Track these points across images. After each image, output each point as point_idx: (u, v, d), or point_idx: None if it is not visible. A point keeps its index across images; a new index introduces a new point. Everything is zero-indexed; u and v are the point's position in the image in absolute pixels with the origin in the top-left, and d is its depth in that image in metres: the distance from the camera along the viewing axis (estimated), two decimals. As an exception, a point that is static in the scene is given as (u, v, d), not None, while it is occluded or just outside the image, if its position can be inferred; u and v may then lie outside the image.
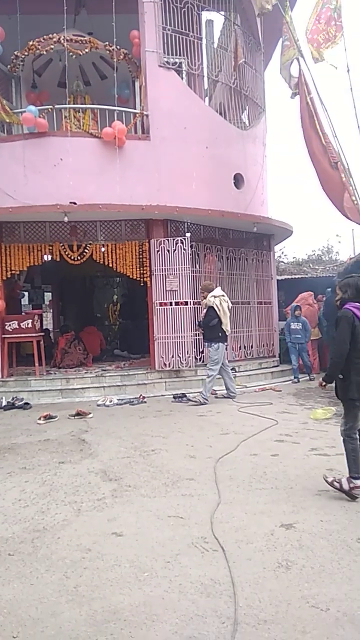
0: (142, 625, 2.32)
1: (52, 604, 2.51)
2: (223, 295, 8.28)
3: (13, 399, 8.16)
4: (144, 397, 8.31)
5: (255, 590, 2.59)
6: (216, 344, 8.04)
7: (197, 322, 8.76)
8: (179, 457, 4.97)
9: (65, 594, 2.59)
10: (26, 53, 9.44)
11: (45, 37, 9.25)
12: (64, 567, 2.86)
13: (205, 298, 8.23)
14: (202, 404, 7.68)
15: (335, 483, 3.83)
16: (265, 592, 2.57)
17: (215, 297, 8.15)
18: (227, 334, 8.26)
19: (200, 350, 9.80)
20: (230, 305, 8.42)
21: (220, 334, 8.08)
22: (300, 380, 9.95)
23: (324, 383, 3.93)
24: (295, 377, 9.98)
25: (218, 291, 8.34)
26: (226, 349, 8.51)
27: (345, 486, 3.76)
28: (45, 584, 2.69)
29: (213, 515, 3.52)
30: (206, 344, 8.36)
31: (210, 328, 8.10)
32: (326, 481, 3.88)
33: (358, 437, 3.82)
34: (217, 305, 8.08)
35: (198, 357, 9.68)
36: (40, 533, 3.32)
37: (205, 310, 8.23)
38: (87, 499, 3.90)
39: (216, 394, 8.38)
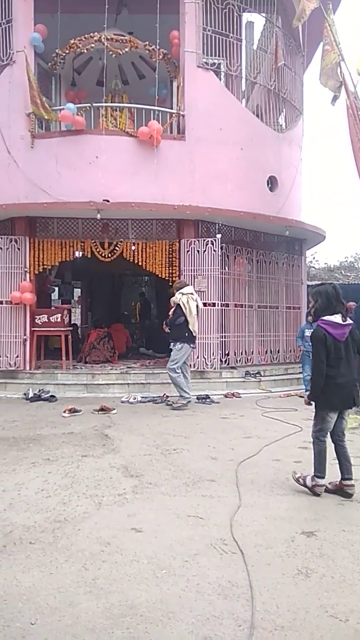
0: (158, 622, 2.32)
1: (70, 594, 2.53)
2: (192, 294, 7.85)
3: (40, 391, 8.29)
4: (167, 396, 8.32)
5: (273, 595, 2.56)
6: (180, 344, 7.67)
7: (164, 321, 8.22)
8: (200, 458, 4.96)
9: (84, 585, 2.61)
10: (67, 51, 9.58)
11: (86, 35, 9.37)
12: (83, 559, 2.89)
13: (174, 295, 7.90)
14: (184, 406, 7.50)
15: (300, 480, 4.04)
16: (284, 598, 2.53)
17: (183, 294, 7.74)
18: (193, 334, 7.79)
19: (226, 352, 9.77)
20: (201, 305, 8.07)
21: (186, 334, 7.68)
22: None
23: (308, 401, 4.06)
24: (306, 389, 9.30)
25: (187, 289, 7.90)
26: (193, 350, 8.08)
27: (309, 483, 3.97)
28: (64, 574, 2.72)
29: (233, 518, 3.50)
30: (171, 343, 7.90)
31: (176, 327, 7.71)
32: (294, 477, 4.11)
33: (327, 441, 4.00)
34: (183, 304, 7.67)
35: (223, 360, 9.64)
36: (61, 524, 3.36)
37: (173, 309, 7.86)
38: (108, 493, 3.93)
39: (168, 399, 8.06)
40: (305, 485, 3.99)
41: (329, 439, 4.01)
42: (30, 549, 3.00)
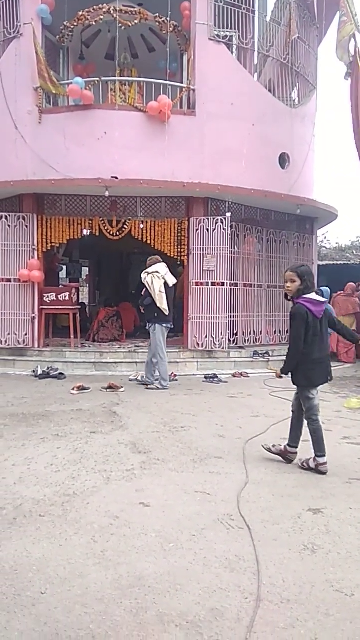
0: (165, 593, 2.35)
1: (80, 566, 2.57)
2: (157, 272, 7.40)
3: (48, 368, 8.35)
4: (175, 375, 8.35)
5: (280, 570, 2.59)
6: (152, 325, 7.43)
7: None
8: (208, 436, 4.98)
9: (93, 557, 2.65)
10: (75, 24, 9.38)
11: (95, 7, 9.16)
12: (92, 532, 2.93)
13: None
14: (154, 387, 7.33)
15: (304, 464, 4.07)
16: (290, 573, 2.56)
17: (148, 274, 7.43)
18: (165, 314, 7.37)
19: (235, 332, 9.74)
20: (171, 282, 7.48)
21: (155, 315, 7.37)
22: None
23: (279, 374, 4.14)
24: None
25: (154, 267, 7.48)
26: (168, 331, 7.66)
27: (312, 464, 4.02)
28: (74, 546, 2.76)
29: (240, 494, 3.52)
30: (147, 324, 7.67)
31: (146, 308, 7.48)
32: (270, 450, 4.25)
33: (320, 419, 4.13)
34: (148, 284, 7.37)
35: (232, 339, 9.63)
36: (71, 497, 3.40)
37: (144, 289, 7.59)
38: (116, 468, 3.97)
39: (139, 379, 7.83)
40: (309, 467, 4.04)
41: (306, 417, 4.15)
42: (40, 522, 3.05)
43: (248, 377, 8.64)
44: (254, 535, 2.94)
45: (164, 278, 7.38)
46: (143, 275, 7.53)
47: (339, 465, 4.18)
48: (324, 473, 3.96)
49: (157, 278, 7.37)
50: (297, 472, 4.02)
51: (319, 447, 4.01)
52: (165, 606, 2.26)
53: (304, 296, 3.94)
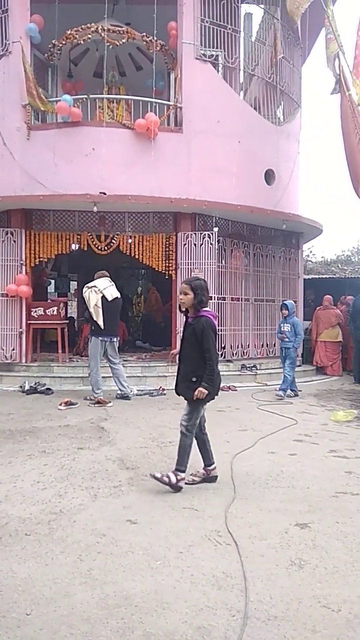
0: (152, 612, 2.34)
1: (66, 585, 2.55)
2: (95, 286, 7.49)
3: (36, 383, 8.30)
4: (163, 389, 8.34)
5: (267, 586, 2.59)
6: (91, 337, 7.56)
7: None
8: (196, 451, 4.94)
9: (79, 576, 2.63)
10: (64, 42, 9.49)
11: (83, 26, 9.29)
12: (79, 550, 2.91)
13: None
14: (97, 402, 7.20)
15: (164, 478, 3.86)
16: (277, 589, 2.56)
17: (88, 288, 7.55)
18: (100, 327, 7.38)
19: (222, 345, 9.78)
20: (110, 297, 7.47)
21: (93, 327, 7.48)
22: (281, 398, 8.03)
23: (205, 392, 3.82)
24: (292, 390, 8.31)
25: (94, 282, 7.59)
26: (110, 344, 7.58)
27: (173, 479, 3.85)
28: (60, 565, 2.74)
29: (227, 510, 3.52)
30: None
31: (88, 321, 7.65)
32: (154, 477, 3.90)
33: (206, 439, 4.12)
34: (86, 298, 7.54)
35: (220, 353, 9.65)
36: (57, 515, 3.38)
37: None
38: (103, 485, 3.95)
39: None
40: (168, 482, 3.83)
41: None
42: (26, 541, 3.02)
43: (236, 390, 8.67)
44: (242, 551, 2.94)
45: (102, 292, 7.43)
46: (84, 289, 7.64)
47: (326, 479, 4.21)
48: (179, 489, 3.83)
49: (93, 292, 7.45)
50: (285, 487, 4.03)
51: (182, 462, 3.88)
52: (152, 625, 2.24)
53: (206, 309, 3.92)
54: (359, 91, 8.96)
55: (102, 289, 7.46)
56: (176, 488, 3.84)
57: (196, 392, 3.81)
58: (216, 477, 4.12)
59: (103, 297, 7.41)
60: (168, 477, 3.85)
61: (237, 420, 6.40)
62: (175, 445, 5.06)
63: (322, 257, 23.79)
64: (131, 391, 7.77)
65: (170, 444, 5.16)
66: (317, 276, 14.92)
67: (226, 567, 2.76)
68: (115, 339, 7.66)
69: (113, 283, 7.72)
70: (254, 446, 5.16)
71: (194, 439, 3.99)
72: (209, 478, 4.09)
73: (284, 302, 8.64)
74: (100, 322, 7.38)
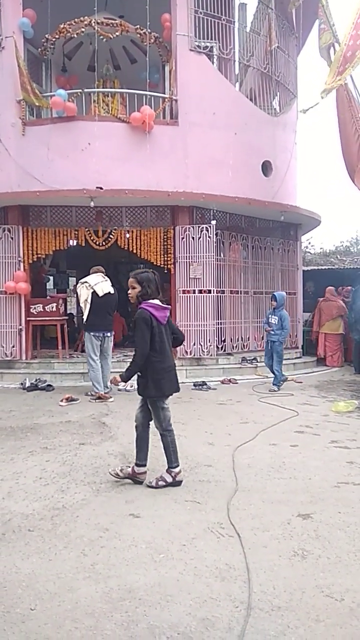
0: (156, 605, 2.35)
1: (70, 580, 2.56)
2: (86, 282, 7.45)
3: (36, 380, 8.30)
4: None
5: (270, 577, 2.60)
6: (85, 332, 7.54)
7: None
8: (197, 444, 4.99)
9: (82, 571, 2.64)
10: (57, 36, 9.43)
11: (76, 20, 9.21)
12: (82, 545, 2.92)
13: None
14: (98, 398, 7.15)
15: (160, 482, 3.78)
16: (280, 580, 2.57)
17: (81, 283, 7.56)
18: (89, 322, 7.36)
19: (223, 339, 9.78)
20: (101, 293, 7.36)
21: (85, 322, 7.48)
22: (274, 390, 7.98)
23: (119, 380, 3.89)
24: (275, 382, 8.08)
25: (86, 277, 7.55)
26: (104, 339, 7.47)
27: (169, 479, 3.81)
28: (63, 560, 2.75)
29: (230, 502, 3.53)
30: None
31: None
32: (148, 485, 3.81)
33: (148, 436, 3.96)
34: (78, 293, 7.60)
35: (220, 346, 9.66)
36: (60, 511, 3.38)
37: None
38: (105, 480, 3.96)
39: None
40: (166, 482, 3.80)
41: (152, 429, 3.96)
42: (29, 537, 3.02)
43: (237, 383, 8.67)
44: (244, 543, 2.95)
45: (92, 288, 7.39)
46: (77, 285, 7.63)
47: (327, 470, 4.21)
48: (180, 483, 3.81)
49: (84, 288, 7.42)
50: (287, 478, 4.04)
51: (175, 457, 3.84)
52: (156, 618, 2.25)
53: (147, 301, 3.81)
54: (347, 76, 8.93)
55: (93, 285, 7.41)
56: (175, 483, 3.81)
57: (111, 378, 3.74)
58: (141, 481, 3.87)
59: (94, 292, 7.37)
60: (163, 479, 3.81)
61: (238, 413, 6.41)
62: (176, 439, 5.10)
63: (321, 248, 23.78)
64: (110, 389, 7.55)
65: (171, 438, 5.17)
66: (316, 267, 14.89)
67: (229, 559, 2.77)
68: (109, 334, 7.64)
69: (107, 279, 7.67)
70: (255, 438, 5.16)
71: (144, 432, 3.93)
72: (135, 479, 3.88)
73: (274, 293, 8.56)
74: (85, 317, 7.39)
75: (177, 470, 3.84)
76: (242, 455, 4.59)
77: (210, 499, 3.59)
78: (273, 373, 8.13)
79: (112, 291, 7.57)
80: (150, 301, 3.81)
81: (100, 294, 7.43)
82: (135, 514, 3.34)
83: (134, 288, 3.84)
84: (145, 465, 3.92)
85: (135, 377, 3.88)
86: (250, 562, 2.74)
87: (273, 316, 8.21)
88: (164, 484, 3.80)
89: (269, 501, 3.57)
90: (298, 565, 2.71)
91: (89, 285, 7.43)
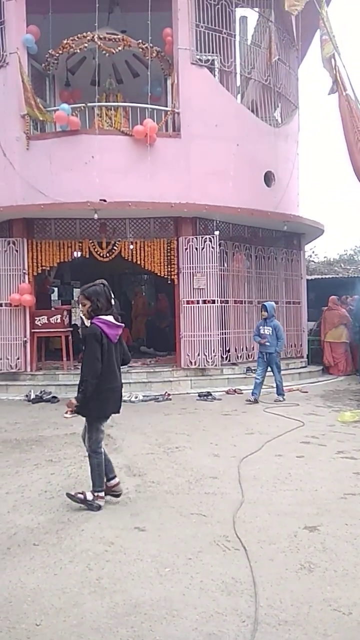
0: (162, 620, 2.33)
1: (75, 595, 2.54)
2: None
3: (41, 392, 8.31)
4: (169, 395, 8.34)
5: (277, 591, 2.58)
6: None
7: None
8: (203, 455, 4.97)
9: (88, 586, 2.63)
10: (60, 52, 9.55)
11: (79, 35, 9.34)
12: (87, 559, 2.90)
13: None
14: None
15: (79, 495, 3.66)
16: (287, 593, 2.55)
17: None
18: None
19: (227, 349, 9.77)
20: None
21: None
22: (282, 400, 7.96)
23: (74, 403, 3.63)
24: (253, 394, 7.83)
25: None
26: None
27: (90, 497, 3.64)
28: (69, 575, 2.74)
29: (236, 514, 3.51)
30: None
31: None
32: (69, 496, 3.68)
33: (104, 451, 3.79)
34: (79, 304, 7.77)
35: (224, 356, 9.65)
36: (65, 525, 3.37)
37: None
38: (111, 493, 3.94)
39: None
40: (85, 500, 3.63)
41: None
42: (34, 551, 3.01)
43: (242, 393, 8.64)
44: (251, 556, 2.93)
45: None
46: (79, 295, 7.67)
47: (334, 481, 4.19)
48: (100, 508, 3.60)
49: None
50: (293, 489, 4.01)
51: (100, 482, 3.67)
52: (162, 633, 2.24)
53: (99, 317, 3.65)
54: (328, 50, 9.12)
55: None
56: (94, 506, 3.59)
57: (67, 403, 3.63)
58: (120, 493, 3.77)
59: None
60: (83, 493, 3.66)
61: (243, 424, 6.38)
62: (181, 451, 5.11)
63: (325, 256, 23.79)
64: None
65: (177, 450, 5.17)
66: (320, 276, 14.88)
67: (235, 573, 2.75)
68: None
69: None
70: (261, 449, 5.14)
71: (102, 458, 3.73)
72: (111, 493, 3.75)
73: (264, 303, 8.38)
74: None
75: (101, 495, 3.66)
76: (247, 467, 4.56)
77: (216, 512, 3.57)
78: (257, 386, 7.87)
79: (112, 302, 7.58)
80: (103, 317, 3.65)
81: None
82: (141, 527, 3.32)
83: (84, 305, 3.68)
84: (115, 477, 3.80)
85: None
86: (256, 575, 2.72)
87: (265, 327, 8.05)
88: (82, 497, 3.62)
89: (275, 513, 3.55)
90: (305, 579, 2.69)
91: None
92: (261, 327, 8.12)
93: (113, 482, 3.78)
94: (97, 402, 3.64)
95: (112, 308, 3.73)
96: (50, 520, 3.45)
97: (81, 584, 2.65)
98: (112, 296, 3.83)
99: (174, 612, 2.39)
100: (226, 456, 4.93)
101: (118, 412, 3.82)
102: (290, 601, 2.48)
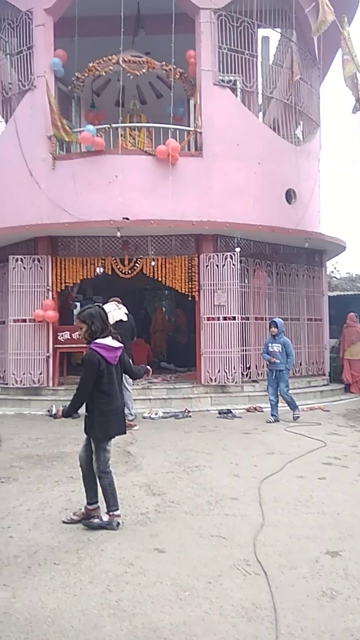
0: (181, 645, 2.32)
1: (94, 617, 2.55)
2: (108, 312, 7.68)
3: (63, 407, 8.37)
4: (189, 412, 8.33)
5: (298, 618, 2.54)
6: None
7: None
8: (223, 475, 4.94)
9: (107, 608, 2.63)
10: (86, 74, 9.82)
11: (104, 58, 9.59)
12: (107, 580, 2.91)
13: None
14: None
15: (95, 520, 3.65)
16: (308, 621, 2.51)
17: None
18: None
19: (247, 366, 9.73)
20: (112, 320, 7.25)
21: None
22: (299, 416, 7.80)
23: (60, 415, 3.74)
24: (272, 415, 7.72)
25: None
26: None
27: (106, 518, 3.65)
28: (89, 596, 2.74)
29: (256, 537, 3.47)
30: None
31: None
32: (86, 524, 3.66)
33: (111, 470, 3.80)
34: None
35: (245, 373, 9.61)
36: (85, 544, 3.39)
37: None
38: (130, 512, 3.95)
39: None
40: (102, 525, 3.62)
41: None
42: (54, 570, 3.03)
43: (262, 411, 8.57)
44: (271, 581, 2.90)
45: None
46: None
47: (357, 504, 4.12)
48: (117, 526, 3.61)
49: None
50: (314, 512, 3.96)
51: (114, 501, 3.69)
52: (181, 659, 2.22)
53: (97, 341, 3.64)
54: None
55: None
56: (113, 525, 3.61)
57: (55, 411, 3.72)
58: (98, 517, 3.72)
59: None
60: (99, 517, 3.67)
61: (264, 443, 6.33)
62: (201, 470, 5.09)
63: (347, 272, 23.58)
64: (134, 417, 7.63)
65: (196, 469, 5.15)
66: (342, 293, 14.75)
67: (256, 598, 2.72)
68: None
69: (121, 307, 7.80)
70: (282, 470, 5.08)
71: (89, 470, 3.76)
72: (89, 518, 3.72)
73: (273, 319, 8.18)
74: None
75: (116, 513, 3.68)
76: (268, 488, 4.52)
77: (236, 534, 3.54)
78: (274, 407, 7.78)
79: (124, 318, 7.69)
80: (101, 340, 3.65)
81: (112, 321, 7.54)
82: (160, 548, 3.32)
83: (81, 328, 3.70)
84: (96, 502, 3.76)
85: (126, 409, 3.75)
86: (277, 601, 2.68)
87: (274, 344, 7.88)
88: (99, 522, 3.63)
89: (296, 537, 3.50)
90: (327, 606, 2.65)
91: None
92: (270, 344, 7.92)
93: (92, 506, 3.74)
94: (102, 424, 3.69)
95: (108, 329, 3.73)
96: (70, 539, 3.47)
97: (101, 605, 2.65)
98: (108, 318, 3.83)
99: (193, 637, 2.38)
100: (246, 476, 4.90)
101: (124, 432, 3.87)
102: (311, 629, 2.44)
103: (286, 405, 7.91)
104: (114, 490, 3.73)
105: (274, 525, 3.70)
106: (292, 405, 7.88)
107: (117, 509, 3.71)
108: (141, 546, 3.35)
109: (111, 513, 3.67)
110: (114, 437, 3.79)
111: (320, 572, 3.01)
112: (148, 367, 4.26)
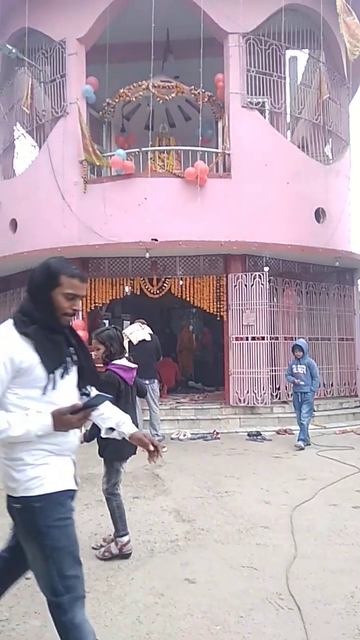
0: None
1: (125, 649, 2.52)
2: (123, 333, 7.72)
3: (86, 431, 8.40)
4: (217, 433, 8.26)
5: (334, 659, 2.46)
6: None
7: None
8: (253, 502, 4.86)
9: (138, 640, 2.60)
10: (117, 100, 10.07)
11: (135, 84, 9.83)
12: (137, 611, 2.88)
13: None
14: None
15: (106, 554, 3.57)
16: (345, 663, 2.42)
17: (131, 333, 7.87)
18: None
19: (277, 386, 9.61)
20: (135, 341, 7.71)
21: None
22: (301, 448, 7.25)
23: (82, 440, 3.54)
24: (300, 438, 7.38)
25: (126, 329, 8.14)
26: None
27: (115, 550, 3.57)
28: (119, 627, 2.72)
29: (289, 570, 3.39)
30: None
31: None
32: (97, 556, 3.59)
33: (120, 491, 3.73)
34: None
35: (274, 394, 9.48)
36: (115, 572, 3.37)
37: None
38: (160, 539, 3.92)
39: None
40: (112, 554, 3.57)
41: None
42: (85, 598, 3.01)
43: (292, 434, 8.40)
44: (305, 617, 2.82)
45: (128, 337, 7.57)
46: None
47: (393, 536, 3.97)
48: (128, 555, 3.55)
49: (126, 337, 7.60)
50: (349, 544, 3.84)
51: (122, 525, 3.62)
52: None
53: (114, 362, 3.69)
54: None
55: (128, 334, 7.68)
56: (123, 555, 3.56)
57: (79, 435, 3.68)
58: (129, 554, 3.61)
59: (129, 342, 7.60)
60: (108, 549, 3.60)
61: (295, 468, 6.20)
62: (231, 496, 5.03)
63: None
64: (162, 438, 7.67)
65: (226, 494, 5.08)
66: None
67: (289, 635, 2.65)
68: (147, 382, 7.60)
69: (144, 327, 7.90)
70: (314, 497, 4.97)
71: (120, 500, 3.71)
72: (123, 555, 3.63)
73: (296, 343, 7.89)
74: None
75: (124, 540, 3.59)
76: (300, 517, 4.42)
77: (268, 565, 3.47)
78: (300, 425, 7.54)
79: (147, 338, 7.74)
80: (117, 362, 3.71)
81: (135, 342, 7.68)
82: (191, 578, 3.27)
83: (98, 349, 3.72)
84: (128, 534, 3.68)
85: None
86: (311, 639, 2.60)
87: (299, 365, 7.65)
88: (109, 555, 3.57)
89: (330, 570, 3.40)
90: (364, 647, 2.55)
91: (125, 335, 7.70)
92: (294, 366, 7.70)
93: (125, 538, 3.63)
94: (114, 445, 3.57)
95: (124, 351, 3.80)
96: (100, 566, 3.46)
97: (131, 637, 2.63)
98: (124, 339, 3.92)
99: None
100: (278, 503, 4.80)
101: (134, 452, 3.81)
102: (348, 672, 2.36)
103: (315, 427, 7.72)
104: (123, 513, 3.68)
105: (307, 557, 3.61)
106: (302, 433, 7.48)
107: (127, 534, 3.64)
108: (171, 575, 3.31)
109: (118, 539, 3.60)
110: (128, 457, 3.77)
111: (356, 609, 2.91)
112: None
